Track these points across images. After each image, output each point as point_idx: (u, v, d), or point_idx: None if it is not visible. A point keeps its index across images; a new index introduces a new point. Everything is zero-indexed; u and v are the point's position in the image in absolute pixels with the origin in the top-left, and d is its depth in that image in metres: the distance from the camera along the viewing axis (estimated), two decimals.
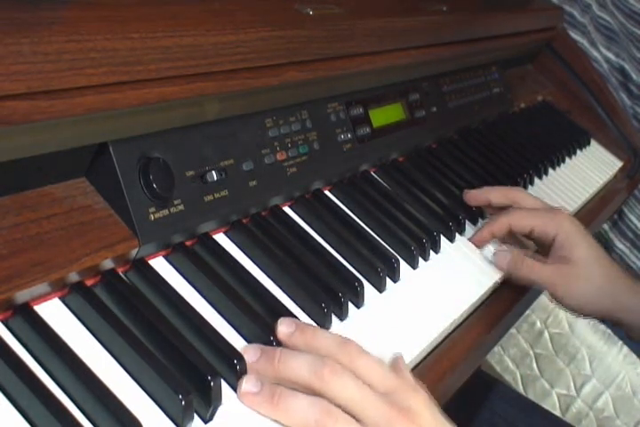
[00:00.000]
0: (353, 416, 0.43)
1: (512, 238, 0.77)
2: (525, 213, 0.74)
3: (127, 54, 0.44)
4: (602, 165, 1.19)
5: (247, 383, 0.45)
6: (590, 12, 1.30)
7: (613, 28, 1.27)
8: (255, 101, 0.58)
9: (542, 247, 0.76)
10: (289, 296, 0.55)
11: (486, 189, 0.78)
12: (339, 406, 0.43)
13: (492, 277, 0.72)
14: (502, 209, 0.76)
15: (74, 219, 0.45)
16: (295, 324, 0.49)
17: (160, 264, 0.51)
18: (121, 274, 0.48)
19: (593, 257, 0.71)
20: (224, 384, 0.45)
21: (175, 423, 0.42)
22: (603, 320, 0.76)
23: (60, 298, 0.45)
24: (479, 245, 0.75)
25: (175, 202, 0.51)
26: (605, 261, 0.72)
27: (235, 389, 0.45)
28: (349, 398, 0.43)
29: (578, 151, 1.17)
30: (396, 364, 0.49)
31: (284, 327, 0.48)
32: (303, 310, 0.54)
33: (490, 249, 0.75)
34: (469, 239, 0.75)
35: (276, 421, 0.44)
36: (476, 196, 0.78)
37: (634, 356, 1.18)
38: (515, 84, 1.14)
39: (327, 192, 0.68)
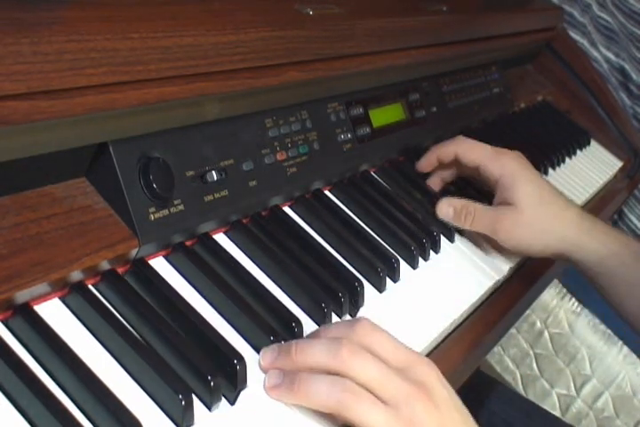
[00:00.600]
0: (373, 393, 0.44)
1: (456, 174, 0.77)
2: (475, 147, 0.73)
3: (127, 54, 0.44)
4: (602, 165, 1.19)
5: (270, 378, 0.46)
6: (590, 12, 1.30)
7: (613, 28, 1.27)
8: (255, 101, 0.58)
9: (490, 189, 0.75)
10: (289, 296, 0.55)
11: (431, 148, 0.77)
12: (359, 384, 0.44)
13: (492, 278, 0.72)
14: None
15: (74, 219, 0.45)
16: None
17: (160, 264, 0.51)
18: (121, 274, 0.48)
19: (536, 196, 0.69)
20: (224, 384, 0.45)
21: (175, 423, 0.42)
22: (555, 258, 0.73)
23: (59, 298, 0.45)
24: (423, 168, 0.75)
25: (175, 202, 0.51)
26: (551, 197, 0.71)
27: (235, 388, 0.46)
28: (369, 377, 0.44)
29: (578, 151, 1.17)
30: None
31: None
32: (303, 310, 0.54)
33: (489, 250, 0.76)
34: (416, 165, 0.76)
35: (300, 406, 0.45)
36: (426, 161, 0.77)
37: (634, 356, 1.18)
38: (515, 84, 1.14)
39: (327, 192, 0.69)
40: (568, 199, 0.73)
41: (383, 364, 0.45)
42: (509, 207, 0.70)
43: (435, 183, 0.78)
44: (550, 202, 0.71)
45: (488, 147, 0.74)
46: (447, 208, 0.71)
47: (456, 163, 0.75)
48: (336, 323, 0.50)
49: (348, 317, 0.56)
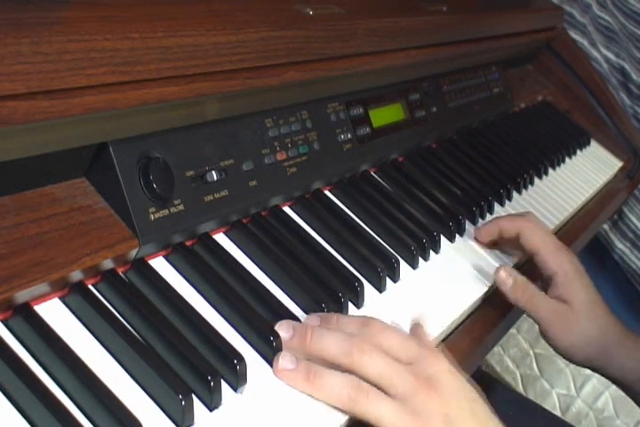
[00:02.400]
0: (382, 389, 0.46)
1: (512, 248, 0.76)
2: (538, 231, 0.72)
3: (127, 54, 0.44)
4: (602, 165, 1.19)
5: (284, 360, 0.48)
6: (590, 12, 1.30)
7: (613, 28, 1.27)
8: (255, 101, 0.58)
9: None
10: (289, 296, 0.55)
11: (496, 220, 0.75)
12: (369, 381, 0.46)
13: (492, 278, 0.72)
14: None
15: (74, 219, 0.45)
16: (320, 318, 0.51)
17: (160, 264, 0.51)
18: (121, 274, 0.48)
19: (590, 306, 0.69)
20: (224, 384, 0.45)
21: (175, 423, 0.42)
22: (592, 370, 0.74)
23: (59, 298, 0.45)
24: (483, 237, 0.74)
25: (175, 202, 0.51)
26: (601, 310, 0.70)
27: (235, 388, 0.46)
28: (378, 374, 0.47)
29: (578, 151, 1.17)
30: (416, 332, 0.54)
31: (312, 320, 0.51)
32: (303, 310, 0.54)
33: (489, 250, 0.75)
34: (477, 227, 0.75)
35: (309, 396, 0.47)
36: (487, 231, 0.75)
37: None
38: (515, 84, 1.14)
39: (327, 192, 0.69)
40: (611, 312, 0.72)
41: (391, 360, 0.47)
42: (566, 307, 0.68)
43: (484, 238, 0.76)
44: (601, 315, 0.70)
45: (551, 237, 0.72)
46: (507, 277, 0.68)
47: (515, 239, 0.73)
48: (349, 317, 0.52)
49: None
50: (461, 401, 0.47)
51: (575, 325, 0.68)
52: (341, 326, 0.50)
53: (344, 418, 0.47)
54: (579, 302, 0.68)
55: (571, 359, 0.72)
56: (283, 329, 0.49)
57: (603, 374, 0.73)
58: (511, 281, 0.68)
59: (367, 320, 0.51)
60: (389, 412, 0.45)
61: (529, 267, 0.75)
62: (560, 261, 0.70)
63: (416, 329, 0.55)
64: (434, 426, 0.45)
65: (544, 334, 0.70)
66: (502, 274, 0.68)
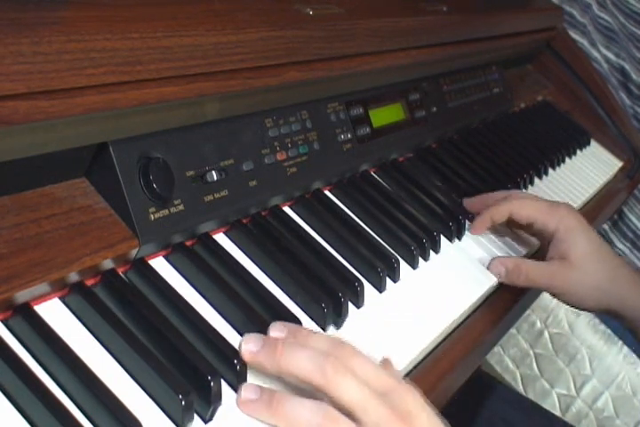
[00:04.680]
0: (352, 416, 0.43)
1: (511, 230, 0.77)
2: (527, 203, 0.74)
3: (127, 54, 0.44)
4: (602, 165, 1.19)
5: (246, 391, 0.44)
6: (590, 12, 1.30)
7: (613, 28, 1.27)
8: (255, 101, 0.58)
9: (542, 241, 0.76)
10: (289, 296, 0.55)
11: (484, 195, 0.78)
12: (340, 405, 0.43)
13: (492, 277, 0.72)
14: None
15: (74, 219, 0.45)
16: (287, 328, 0.47)
17: (160, 264, 0.51)
18: (121, 274, 0.48)
19: (592, 254, 0.70)
20: (224, 384, 0.45)
21: (175, 423, 0.42)
22: (606, 314, 0.75)
23: (59, 298, 0.45)
24: (478, 230, 0.75)
25: (175, 202, 0.51)
26: (606, 256, 0.71)
27: (235, 389, 0.46)
28: (351, 399, 0.43)
29: (578, 151, 1.17)
30: (386, 365, 0.50)
31: (276, 332, 0.47)
32: (303, 310, 0.54)
33: (491, 250, 0.76)
34: (470, 228, 0.75)
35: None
36: (475, 204, 0.78)
37: (634, 356, 1.18)
38: (515, 84, 1.14)
39: (327, 192, 0.69)
40: (621, 257, 0.74)
41: (366, 387, 0.44)
42: (562, 263, 0.70)
43: (479, 231, 0.77)
44: (605, 260, 0.71)
45: (541, 201, 0.74)
46: (499, 268, 0.71)
47: (510, 219, 0.75)
48: (320, 335, 0.48)
49: (347, 317, 0.56)
50: None
51: (579, 277, 0.69)
52: (312, 342, 0.46)
53: None
54: (580, 251, 0.69)
55: (584, 308, 0.73)
56: (251, 342, 0.45)
57: (616, 317, 0.73)
58: (504, 269, 0.70)
59: (341, 342, 0.46)
60: None
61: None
62: (558, 218, 0.71)
63: (386, 363, 0.50)
64: None
65: (553, 295, 0.72)
66: (494, 267, 0.71)
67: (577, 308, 0.73)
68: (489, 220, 0.74)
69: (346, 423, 0.42)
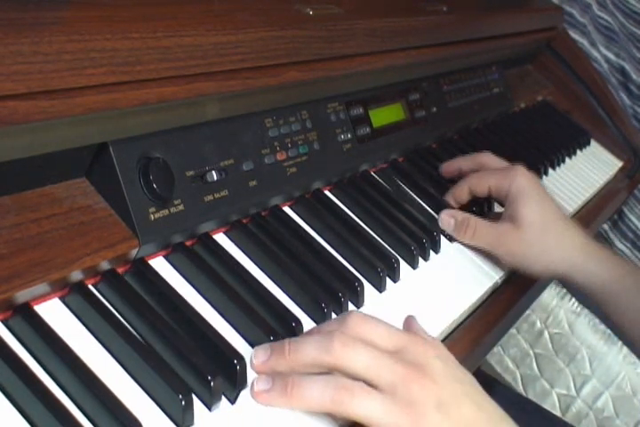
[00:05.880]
0: (369, 383, 0.43)
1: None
2: (481, 174, 0.74)
3: (127, 54, 0.44)
4: (602, 165, 1.19)
5: (258, 383, 0.45)
6: (590, 12, 1.30)
7: (613, 28, 1.27)
8: (255, 101, 0.58)
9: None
10: (289, 296, 0.55)
11: (456, 158, 0.80)
12: (355, 376, 0.43)
13: (491, 278, 0.72)
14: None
15: (74, 219, 0.45)
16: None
17: (160, 264, 0.51)
18: (121, 274, 0.48)
19: (540, 215, 0.69)
20: (224, 384, 0.45)
21: (175, 423, 0.42)
22: (557, 279, 0.74)
23: (59, 298, 0.45)
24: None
25: (175, 202, 0.51)
26: (556, 218, 0.70)
27: (235, 389, 0.46)
28: (363, 366, 0.43)
29: (578, 151, 1.17)
30: (410, 325, 0.52)
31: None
32: (303, 310, 0.54)
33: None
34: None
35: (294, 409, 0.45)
36: (448, 167, 0.80)
37: (634, 356, 1.18)
38: (515, 84, 1.14)
39: (327, 192, 0.68)
40: (573, 221, 0.73)
41: (376, 350, 0.44)
42: (512, 224, 0.69)
43: (446, 175, 0.80)
44: (555, 222, 0.70)
45: (495, 169, 0.75)
46: (448, 219, 0.71)
47: (473, 196, 0.76)
48: (327, 321, 0.50)
49: None
50: (455, 385, 0.45)
51: (526, 238, 0.68)
52: (320, 329, 0.48)
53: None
54: (528, 214, 0.69)
55: (532, 273, 0.72)
56: (260, 353, 0.46)
57: (568, 282, 0.72)
58: (452, 221, 0.71)
59: (344, 315, 0.47)
60: (378, 407, 0.42)
61: None
62: (510, 179, 0.71)
63: (410, 322, 0.53)
64: (427, 415, 0.42)
65: (499, 256, 0.71)
66: (444, 217, 0.72)
67: (526, 272, 0.71)
68: (453, 201, 0.76)
69: (360, 388, 0.42)
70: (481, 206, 0.80)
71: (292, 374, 0.45)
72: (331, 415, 0.46)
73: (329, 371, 0.45)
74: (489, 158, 0.77)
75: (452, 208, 0.75)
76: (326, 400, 0.42)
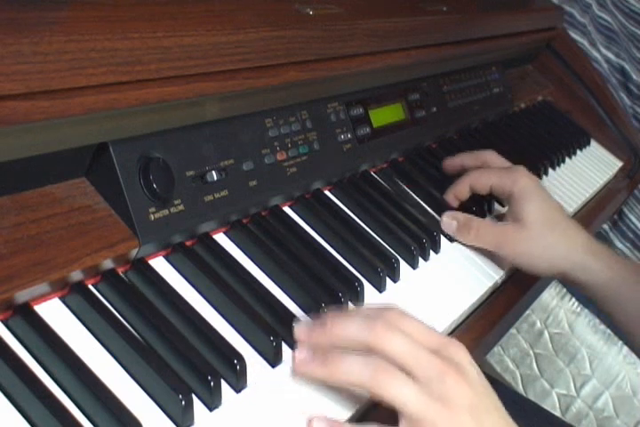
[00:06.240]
0: (405, 370, 0.44)
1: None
2: (483, 171, 0.74)
3: (127, 54, 0.44)
4: (602, 165, 1.19)
5: (300, 353, 0.47)
6: (590, 12, 1.30)
7: (613, 28, 1.27)
8: (255, 101, 0.58)
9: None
10: (289, 296, 0.55)
11: (460, 154, 0.79)
12: (392, 359, 0.44)
13: (491, 277, 0.72)
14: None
15: (74, 219, 0.45)
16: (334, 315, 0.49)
17: (160, 264, 0.51)
18: (121, 274, 0.48)
19: (543, 214, 0.69)
20: (224, 384, 0.45)
21: (175, 423, 0.42)
22: (561, 279, 0.74)
23: (59, 298, 0.45)
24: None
25: (175, 202, 0.51)
26: (559, 218, 0.71)
27: (235, 389, 0.46)
28: (403, 352, 0.44)
29: (578, 151, 1.17)
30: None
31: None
32: (303, 310, 0.54)
33: (489, 250, 0.75)
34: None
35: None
36: (450, 162, 0.79)
37: (634, 356, 1.18)
38: (515, 84, 1.14)
39: (327, 192, 0.68)
40: (576, 222, 0.73)
41: (416, 341, 0.45)
42: (515, 223, 0.70)
43: (448, 171, 0.79)
44: (558, 221, 0.71)
45: (499, 167, 0.75)
46: (450, 221, 0.71)
47: (473, 193, 0.76)
48: (367, 307, 0.50)
49: None
50: (488, 395, 0.45)
51: (529, 238, 0.69)
52: (360, 312, 0.49)
53: (346, 417, 0.47)
54: (531, 214, 0.69)
55: (536, 272, 0.72)
56: (302, 324, 0.48)
57: (570, 282, 0.73)
58: (455, 223, 0.70)
59: (387, 305, 0.49)
60: (414, 395, 0.42)
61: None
62: (513, 180, 0.71)
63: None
64: (460, 415, 0.43)
65: (502, 256, 0.71)
66: (445, 219, 0.71)
67: (529, 271, 0.72)
68: (453, 197, 0.75)
69: (398, 373, 0.43)
70: (481, 206, 0.80)
71: (333, 349, 0.46)
72: (330, 416, 0.46)
73: (366, 351, 0.45)
74: (492, 156, 0.77)
75: (453, 206, 0.75)
76: (365, 378, 0.43)
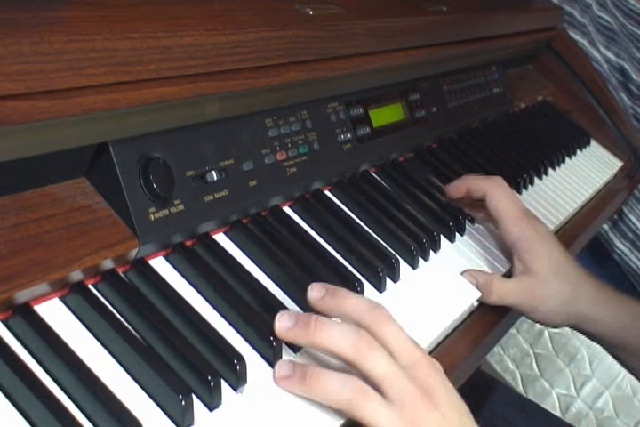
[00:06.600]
0: (380, 389, 0.45)
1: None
2: (504, 197, 0.71)
3: (127, 54, 0.44)
4: (602, 165, 1.19)
5: (280, 369, 0.47)
6: (590, 12, 1.30)
7: (613, 28, 1.27)
8: (255, 101, 0.58)
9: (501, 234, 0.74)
10: (289, 296, 0.55)
11: (464, 178, 0.76)
12: (369, 378, 0.45)
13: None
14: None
15: (74, 219, 0.45)
16: (325, 288, 0.49)
17: (160, 264, 0.51)
18: (121, 274, 0.48)
19: (555, 269, 0.69)
20: (224, 384, 0.45)
21: (175, 423, 0.42)
22: (570, 328, 0.74)
23: (59, 298, 0.45)
24: (451, 194, 0.74)
25: (175, 202, 0.51)
26: (568, 269, 0.70)
27: (235, 388, 0.46)
28: (381, 373, 0.45)
29: (578, 151, 1.17)
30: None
31: (314, 293, 0.49)
32: (303, 310, 0.54)
33: (491, 250, 0.75)
34: (445, 188, 0.75)
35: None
36: (453, 188, 0.76)
37: None
38: (515, 84, 1.14)
39: (327, 192, 0.69)
40: (582, 269, 0.72)
41: (394, 362, 0.46)
42: (529, 278, 0.69)
43: (452, 195, 0.76)
44: (569, 273, 0.70)
45: (515, 205, 0.71)
46: (471, 280, 0.69)
47: (482, 201, 0.74)
48: (357, 298, 0.49)
49: None
50: (453, 413, 0.47)
51: (545, 293, 0.68)
52: (348, 305, 0.48)
53: (342, 419, 0.47)
54: (542, 267, 0.68)
55: (550, 324, 0.72)
56: (284, 318, 0.47)
57: (580, 331, 0.73)
58: (475, 283, 0.69)
59: (376, 307, 0.48)
60: (387, 419, 0.44)
61: None
62: (522, 228, 0.70)
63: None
64: None
65: (523, 313, 0.71)
66: (466, 277, 0.69)
67: (543, 324, 0.72)
68: (464, 187, 0.74)
69: (374, 395, 0.45)
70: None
71: (312, 366, 0.47)
72: (326, 417, 0.47)
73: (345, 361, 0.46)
74: (500, 193, 0.72)
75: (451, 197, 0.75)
76: (343, 399, 0.44)
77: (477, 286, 0.69)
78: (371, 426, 0.44)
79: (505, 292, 0.68)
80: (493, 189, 0.72)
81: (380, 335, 0.47)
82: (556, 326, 0.73)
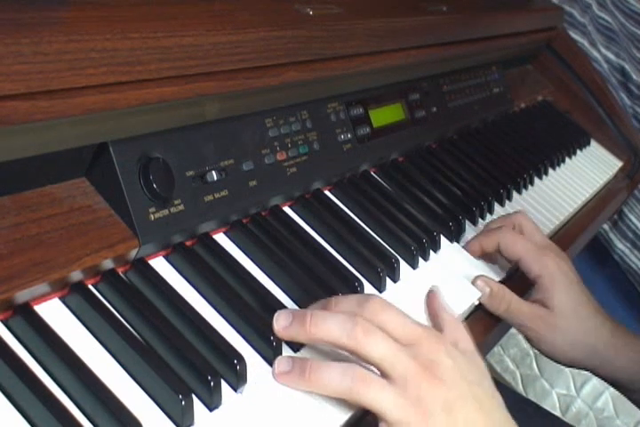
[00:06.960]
0: (382, 372, 0.45)
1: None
2: (517, 239, 0.70)
3: (127, 54, 0.44)
4: (602, 165, 1.19)
5: (279, 365, 0.48)
6: (590, 12, 1.30)
7: (613, 28, 1.27)
8: (255, 101, 0.58)
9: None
10: (289, 296, 0.55)
11: (475, 237, 0.74)
12: (370, 362, 0.46)
13: (492, 278, 0.72)
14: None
15: (74, 219, 0.45)
16: (317, 304, 0.50)
17: (160, 264, 0.51)
18: (121, 274, 0.48)
19: (571, 309, 0.68)
20: (224, 384, 0.45)
21: (175, 423, 0.42)
22: (582, 370, 0.74)
23: (59, 298, 0.45)
24: (472, 254, 0.73)
25: (175, 202, 0.51)
26: (586, 311, 0.69)
27: (235, 388, 0.46)
28: (380, 357, 0.45)
29: (578, 151, 1.17)
30: (430, 301, 0.58)
31: (312, 308, 0.50)
32: None
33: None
34: (464, 247, 0.74)
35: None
36: (469, 250, 0.73)
37: None
38: (515, 84, 1.14)
39: (327, 192, 0.69)
40: (601, 310, 0.72)
41: (393, 343, 0.46)
42: (546, 311, 0.68)
43: (474, 255, 0.74)
44: (586, 315, 0.69)
45: (531, 244, 0.71)
46: (484, 286, 0.68)
47: (498, 251, 0.72)
48: (348, 296, 0.50)
49: None
50: (462, 385, 0.46)
51: (557, 328, 0.68)
52: (340, 307, 0.49)
53: (345, 417, 0.47)
54: (561, 305, 0.68)
55: (557, 361, 0.72)
56: (282, 318, 0.48)
57: (595, 374, 0.73)
58: (488, 290, 0.68)
59: (366, 297, 0.49)
60: (392, 401, 0.44)
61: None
62: (543, 264, 0.69)
63: (432, 299, 0.58)
64: (433, 415, 0.45)
65: (527, 339, 0.70)
66: (479, 283, 0.68)
67: (549, 357, 0.71)
68: (478, 247, 0.72)
69: (375, 381, 0.45)
70: (481, 207, 0.80)
71: (311, 359, 0.47)
72: (332, 415, 0.47)
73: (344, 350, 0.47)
74: (512, 238, 0.71)
75: (472, 254, 0.73)
76: (344, 388, 0.45)
77: (489, 294, 0.67)
78: (376, 410, 0.45)
79: (516, 308, 0.68)
80: (504, 236, 0.71)
81: (377, 322, 0.47)
82: (562, 364, 0.72)
